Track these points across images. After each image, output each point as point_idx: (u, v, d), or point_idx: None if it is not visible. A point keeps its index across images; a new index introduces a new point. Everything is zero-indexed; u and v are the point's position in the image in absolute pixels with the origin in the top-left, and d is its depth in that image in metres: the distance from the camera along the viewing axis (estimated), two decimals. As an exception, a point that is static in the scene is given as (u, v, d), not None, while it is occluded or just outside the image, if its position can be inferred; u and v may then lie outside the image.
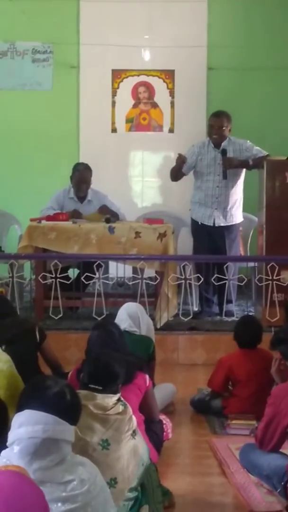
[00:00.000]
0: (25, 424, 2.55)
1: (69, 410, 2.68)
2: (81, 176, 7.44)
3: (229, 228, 7.20)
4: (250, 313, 7.05)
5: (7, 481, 2.14)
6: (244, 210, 7.44)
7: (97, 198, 7.47)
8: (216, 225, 7.16)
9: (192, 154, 7.24)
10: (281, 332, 3.94)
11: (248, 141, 7.22)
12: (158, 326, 6.69)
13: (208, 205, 7.17)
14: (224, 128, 7.11)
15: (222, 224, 7.16)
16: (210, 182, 7.16)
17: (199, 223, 7.24)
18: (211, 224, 7.17)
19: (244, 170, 7.17)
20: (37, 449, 2.51)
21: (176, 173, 7.33)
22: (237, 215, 7.25)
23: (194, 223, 7.33)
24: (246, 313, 6.96)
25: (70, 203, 7.45)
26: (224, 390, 5.26)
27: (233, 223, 7.22)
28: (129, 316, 5.04)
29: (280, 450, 3.81)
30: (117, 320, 5.03)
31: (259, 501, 3.78)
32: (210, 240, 7.21)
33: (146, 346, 4.96)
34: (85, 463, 2.66)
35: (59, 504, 2.51)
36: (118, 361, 3.60)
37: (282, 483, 3.67)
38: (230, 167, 7.04)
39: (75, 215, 7.13)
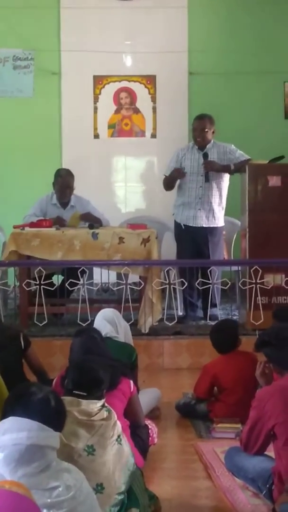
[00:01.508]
0: (9, 431, 2.55)
1: (54, 417, 2.69)
2: (63, 181, 7.44)
3: (212, 231, 7.21)
4: (235, 317, 7.07)
5: (9, 503, 2.13)
6: (227, 214, 7.46)
7: (80, 203, 7.48)
8: (199, 225, 7.17)
9: (176, 158, 7.27)
10: (265, 334, 3.95)
11: (232, 145, 7.25)
12: (143, 331, 6.71)
13: (192, 206, 7.18)
14: (207, 130, 7.13)
15: (205, 225, 7.17)
16: (193, 183, 7.17)
17: (183, 226, 7.26)
18: (195, 225, 7.18)
19: (227, 174, 7.19)
20: (22, 455, 2.51)
21: (170, 183, 7.34)
22: (220, 218, 7.27)
23: (178, 226, 7.35)
24: (230, 316, 6.98)
25: (53, 209, 7.45)
26: (210, 396, 5.27)
27: (216, 225, 7.23)
28: (107, 322, 5.03)
29: (265, 452, 3.82)
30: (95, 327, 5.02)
31: (245, 504, 3.79)
32: (194, 243, 7.23)
33: (128, 354, 4.96)
34: (70, 469, 2.66)
35: (45, 510, 2.51)
36: (101, 367, 3.61)
37: (267, 486, 3.68)
38: (211, 169, 7.07)
39: (59, 222, 7.12)
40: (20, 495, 2.19)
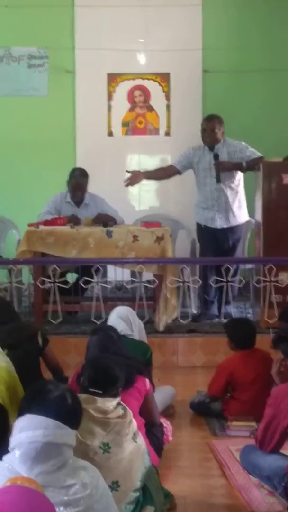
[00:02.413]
0: (26, 429, 2.56)
1: (70, 414, 2.70)
2: (76, 182, 7.45)
3: (232, 229, 7.22)
4: (249, 315, 7.07)
5: (22, 499, 2.14)
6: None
7: (94, 202, 7.49)
8: (219, 227, 7.18)
9: (188, 155, 7.28)
10: (283, 331, 3.96)
11: (243, 142, 7.23)
12: (159, 329, 6.71)
13: (210, 208, 7.19)
14: (216, 131, 7.11)
15: (225, 226, 7.18)
16: (208, 186, 7.18)
17: (203, 225, 7.27)
18: (215, 227, 7.19)
19: (240, 173, 7.18)
20: (38, 453, 2.52)
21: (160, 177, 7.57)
22: (240, 216, 7.25)
23: (198, 226, 7.37)
24: (244, 315, 6.97)
25: (67, 207, 7.47)
26: (224, 395, 5.27)
27: (237, 224, 7.23)
28: (121, 319, 5.04)
29: (280, 451, 3.82)
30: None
31: (260, 502, 3.79)
32: (215, 242, 7.23)
33: (143, 352, 4.96)
34: (87, 467, 2.67)
35: (61, 508, 2.52)
36: (117, 365, 3.62)
37: (283, 484, 3.68)
38: (222, 170, 7.06)
39: (73, 220, 7.13)
40: (32, 490, 2.20)
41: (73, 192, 7.45)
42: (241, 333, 5.35)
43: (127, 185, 7.35)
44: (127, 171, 7.43)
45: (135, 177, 7.33)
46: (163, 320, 6.74)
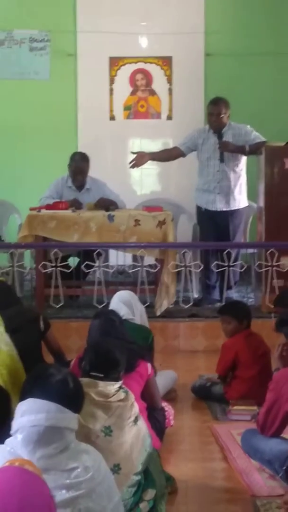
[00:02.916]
0: (28, 413, 2.57)
1: (72, 398, 2.71)
2: (76, 166, 7.42)
3: (233, 213, 7.20)
4: (250, 299, 7.07)
5: (18, 479, 2.15)
6: (243, 196, 7.45)
7: (96, 186, 7.47)
8: (219, 209, 7.17)
9: (193, 136, 7.26)
10: (285, 314, 3.97)
11: (248, 126, 7.20)
12: (158, 314, 6.72)
13: (211, 190, 7.17)
14: (222, 115, 7.09)
15: (225, 209, 7.16)
16: (211, 167, 7.16)
17: (203, 209, 7.26)
18: (214, 209, 7.18)
19: (244, 157, 7.16)
20: (40, 437, 2.53)
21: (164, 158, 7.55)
22: (240, 200, 7.23)
23: (199, 209, 7.35)
24: (246, 299, 6.97)
25: (68, 191, 7.45)
26: (228, 374, 5.30)
27: (237, 207, 7.21)
28: (124, 304, 5.04)
29: (282, 435, 3.83)
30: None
31: (261, 486, 3.80)
32: (215, 226, 7.21)
33: (144, 336, 4.96)
34: (89, 451, 2.68)
35: (64, 491, 2.53)
36: (118, 349, 3.63)
37: (284, 468, 3.70)
38: (225, 150, 7.04)
39: (75, 204, 7.12)
40: (29, 471, 2.20)
41: (74, 176, 7.43)
42: (249, 312, 5.43)
43: (132, 167, 7.31)
44: (132, 153, 7.41)
45: (140, 158, 7.29)
46: (162, 305, 6.74)
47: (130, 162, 7.28)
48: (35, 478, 2.19)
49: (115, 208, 7.04)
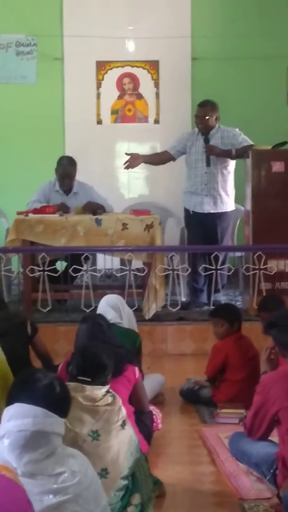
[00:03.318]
0: (15, 418, 2.56)
1: (59, 403, 2.70)
2: (63, 170, 7.43)
3: (221, 216, 7.21)
4: (238, 303, 7.08)
5: None
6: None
7: (83, 190, 7.47)
8: (206, 212, 7.18)
9: (182, 139, 7.28)
10: (274, 316, 3.98)
11: (237, 129, 7.22)
12: (147, 318, 6.72)
13: (199, 192, 7.18)
14: (208, 117, 7.11)
15: (212, 211, 7.18)
16: (199, 169, 7.17)
17: (191, 211, 7.27)
18: (202, 211, 7.19)
19: (232, 160, 7.18)
20: (27, 442, 2.52)
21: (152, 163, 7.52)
22: (228, 203, 7.25)
23: (187, 212, 7.36)
24: (234, 302, 6.98)
25: (56, 196, 7.45)
26: (218, 376, 5.30)
27: (224, 210, 7.23)
28: (111, 308, 5.03)
29: (269, 438, 3.84)
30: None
31: (249, 489, 3.81)
32: (203, 229, 7.22)
33: (132, 340, 4.96)
34: (76, 455, 2.68)
35: (51, 496, 2.53)
36: (106, 353, 3.63)
37: (271, 471, 3.70)
38: (211, 154, 7.06)
39: (62, 208, 7.12)
40: (6, 478, 2.20)
41: (61, 180, 7.43)
42: (239, 316, 5.44)
43: (126, 168, 7.33)
44: (126, 154, 7.40)
45: (134, 160, 7.31)
46: (151, 308, 6.75)
47: (124, 163, 7.29)
48: (12, 484, 2.19)
49: (103, 212, 7.05)
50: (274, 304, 5.31)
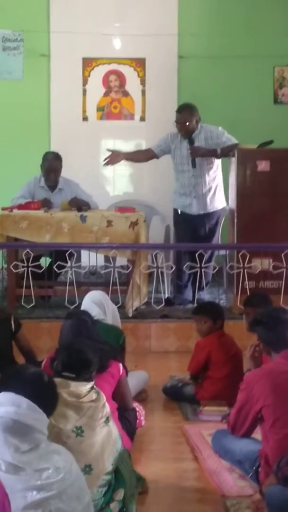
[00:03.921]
0: (0, 405, 2.58)
1: (47, 391, 2.75)
2: (49, 165, 7.42)
3: (209, 216, 7.24)
4: (222, 301, 7.08)
5: None
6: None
7: (68, 186, 7.46)
8: (196, 213, 7.19)
9: (166, 140, 7.29)
10: (259, 314, 3.99)
11: (220, 128, 7.24)
12: (130, 315, 6.72)
13: (187, 194, 7.21)
14: (187, 123, 7.10)
15: (201, 212, 7.20)
16: (185, 172, 7.19)
17: (179, 211, 7.28)
18: (191, 213, 7.20)
19: (218, 159, 7.19)
20: (9, 428, 2.54)
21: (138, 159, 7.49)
22: (216, 202, 7.27)
23: (175, 212, 7.38)
24: (217, 300, 6.99)
25: (41, 191, 7.44)
26: (201, 373, 5.31)
27: (213, 210, 7.25)
28: (95, 304, 5.03)
29: (252, 435, 3.86)
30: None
31: (231, 486, 3.82)
32: (191, 228, 7.24)
33: (116, 337, 4.97)
34: (60, 451, 2.69)
35: (34, 492, 2.54)
36: (91, 349, 3.63)
37: (254, 468, 3.72)
38: (196, 155, 7.07)
39: (45, 204, 7.11)
40: None
41: (47, 175, 7.42)
42: (222, 314, 5.46)
43: (106, 164, 7.36)
44: (108, 150, 7.42)
45: (114, 157, 7.35)
46: (133, 305, 6.75)
47: (105, 160, 7.30)
48: None
49: (88, 208, 7.04)
50: (260, 301, 5.32)
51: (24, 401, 2.59)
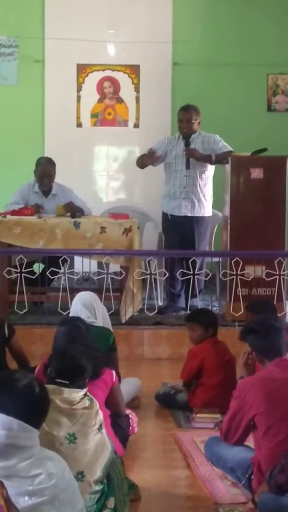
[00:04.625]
0: None
1: (38, 403, 2.72)
2: (43, 170, 7.43)
3: (198, 221, 7.23)
4: (214, 308, 7.08)
5: None
6: (209, 205, 7.49)
7: (62, 192, 7.46)
8: (183, 214, 7.19)
9: (162, 144, 7.28)
10: (252, 322, 3.97)
11: (217, 136, 7.26)
12: (123, 321, 6.72)
13: (177, 196, 7.19)
14: (193, 121, 7.14)
15: (190, 215, 7.19)
16: (178, 172, 7.19)
17: (169, 216, 7.28)
18: (179, 214, 7.20)
19: (212, 165, 7.20)
20: (1, 451, 2.53)
21: (143, 162, 7.33)
22: (206, 208, 7.27)
23: (164, 216, 7.37)
24: (210, 308, 6.99)
25: (34, 197, 7.43)
26: (194, 380, 5.31)
27: (202, 215, 7.24)
28: (84, 307, 5.01)
29: (245, 443, 3.86)
30: (72, 312, 5.02)
31: (224, 493, 3.82)
32: (180, 233, 7.23)
33: (106, 338, 4.95)
34: (53, 457, 2.68)
35: (26, 498, 2.54)
36: (85, 356, 3.63)
37: (247, 476, 3.72)
38: (191, 156, 7.08)
39: (36, 209, 7.10)
40: None
41: (41, 180, 7.42)
42: (215, 320, 5.46)
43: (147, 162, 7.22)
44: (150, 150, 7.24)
45: (151, 156, 7.21)
46: (128, 311, 6.75)
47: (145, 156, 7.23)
48: None
49: (81, 214, 7.05)
50: (264, 307, 5.28)
51: (15, 423, 2.58)
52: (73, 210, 7.01)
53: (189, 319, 5.56)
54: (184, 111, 7.23)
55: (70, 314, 5.04)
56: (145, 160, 7.20)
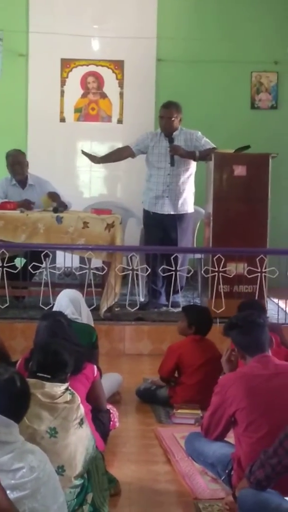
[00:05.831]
0: None
1: (19, 397, 2.71)
2: (13, 159, 7.42)
3: (180, 218, 7.23)
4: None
5: None
6: (192, 202, 7.50)
7: (38, 183, 7.45)
8: (167, 213, 7.19)
9: (145, 139, 7.28)
10: (235, 318, 3.99)
11: (199, 132, 7.26)
12: (102, 316, 6.71)
13: (159, 194, 7.19)
14: (173, 119, 7.13)
15: (172, 213, 7.19)
16: (161, 170, 7.18)
17: (151, 213, 7.27)
18: (162, 212, 7.20)
19: (194, 162, 7.21)
20: None
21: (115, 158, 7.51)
22: (188, 205, 7.27)
23: (146, 213, 7.36)
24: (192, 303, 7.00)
25: (13, 190, 7.43)
26: (172, 376, 5.32)
27: (184, 212, 7.25)
28: (70, 302, 5.01)
29: (225, 438, 3.87)
30: (57, 306, 5.02)
31: (204, 489, 3.84)
32: (162, 230, 7.23)
33: (89, 335, 4.95)
34: (35, 451, 2.69)
35: (8, 492, 2.53)
36: (67, 350, 3.63)
37: (227, 471, 3.73)
38: (175, 153, 7.08)
39: (25, 205, 7.07)
40: None
41: (12, 168, 7.40)
42: (203, 320, 5.43)
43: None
44: (83, 152, 7.39)
45: (91, 160, 7.39)
46: (104, 306, 6.74)
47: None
48: None
49: (64, 209, 7.03)
50: (254, 309, 5.29)
51: None
52: (57, 200, 6.99)
53: (183, 309, 5.65)
54: (165, 108, 7.22)
55: (54, 309, 5.04)
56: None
